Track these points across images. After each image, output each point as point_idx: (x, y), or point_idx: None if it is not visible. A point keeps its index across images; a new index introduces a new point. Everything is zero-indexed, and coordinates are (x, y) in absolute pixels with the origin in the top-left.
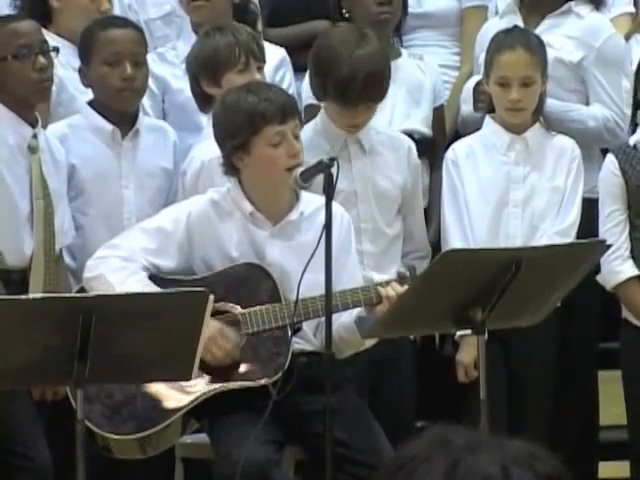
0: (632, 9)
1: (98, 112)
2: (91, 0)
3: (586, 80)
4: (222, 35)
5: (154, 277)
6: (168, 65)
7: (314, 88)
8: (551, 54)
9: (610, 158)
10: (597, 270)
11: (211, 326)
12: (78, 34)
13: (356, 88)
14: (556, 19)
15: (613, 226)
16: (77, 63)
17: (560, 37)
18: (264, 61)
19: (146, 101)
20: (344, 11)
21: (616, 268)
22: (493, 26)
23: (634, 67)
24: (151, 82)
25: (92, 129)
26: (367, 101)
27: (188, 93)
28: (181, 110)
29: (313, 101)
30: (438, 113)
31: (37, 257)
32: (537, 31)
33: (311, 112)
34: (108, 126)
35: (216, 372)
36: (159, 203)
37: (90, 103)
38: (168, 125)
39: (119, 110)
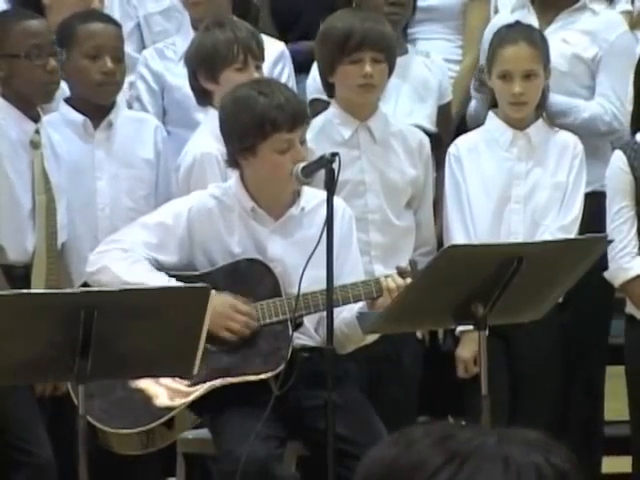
0: (630, 7)
1: (73, 107)
2: None
3: (596, 73)
4: (221, 31)
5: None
6: (166, 61)
7: (323, 66)
8: (568, 50)
9: (618, 154)
10: (605, 267)
11: (219, 302)
12: None
13: (356, 34)
14: (571, 15)
15: (621, 223)
16: None
17: (576, 33)
18: (263, 59)
19: (145, 97)
20: (354, 5)
21: (625, 265)
22: (503, 21)
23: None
24: (150, 78)
25: (65, 123)
26: (370, 48)
27: (186, 90)
28: (179, 107)
29: (318, 96)
30: (445, 110)
31: (39, 253)
32: (552, 27)
33: (315, 107)
34: (79, 118)
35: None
36: (139, 194)
37: (67, 100)
38: (151, 117)
39: (96, 103)
